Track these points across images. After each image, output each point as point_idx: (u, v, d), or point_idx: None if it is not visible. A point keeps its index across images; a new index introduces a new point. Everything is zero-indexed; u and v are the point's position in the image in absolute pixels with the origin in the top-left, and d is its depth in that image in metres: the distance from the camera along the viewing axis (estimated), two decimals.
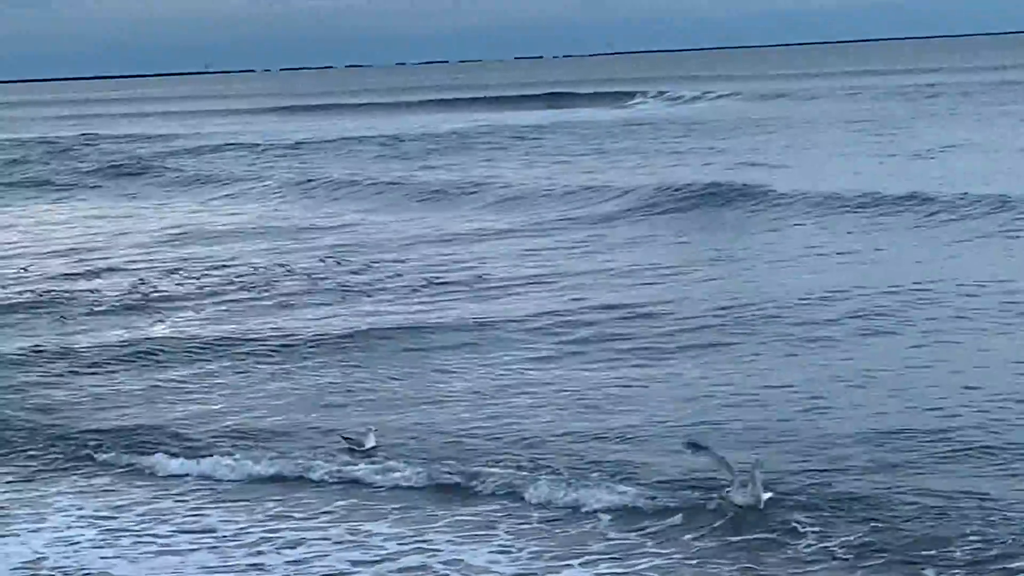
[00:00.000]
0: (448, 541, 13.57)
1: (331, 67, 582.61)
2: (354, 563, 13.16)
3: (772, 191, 37.87)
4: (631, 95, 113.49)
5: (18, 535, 14.46)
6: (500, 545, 13.40)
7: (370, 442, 16.21)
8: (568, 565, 12.80)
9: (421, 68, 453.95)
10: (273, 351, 22.12)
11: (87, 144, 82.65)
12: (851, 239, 30.94)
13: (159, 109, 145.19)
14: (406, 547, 13.46)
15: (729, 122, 74.32)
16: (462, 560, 13.05)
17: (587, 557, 12.94)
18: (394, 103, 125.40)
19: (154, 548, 13.85)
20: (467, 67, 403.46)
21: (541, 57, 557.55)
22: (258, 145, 73.29)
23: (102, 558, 13.70)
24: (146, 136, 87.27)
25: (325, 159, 63.73)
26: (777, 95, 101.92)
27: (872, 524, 13.14)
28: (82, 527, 14.57)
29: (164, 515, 14.81)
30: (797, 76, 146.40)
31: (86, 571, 13.38)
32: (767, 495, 13.62)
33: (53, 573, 13.37)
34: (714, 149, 57.38)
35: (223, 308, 26.11)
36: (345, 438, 16.48)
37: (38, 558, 13.76)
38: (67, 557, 13.74)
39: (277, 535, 14.04)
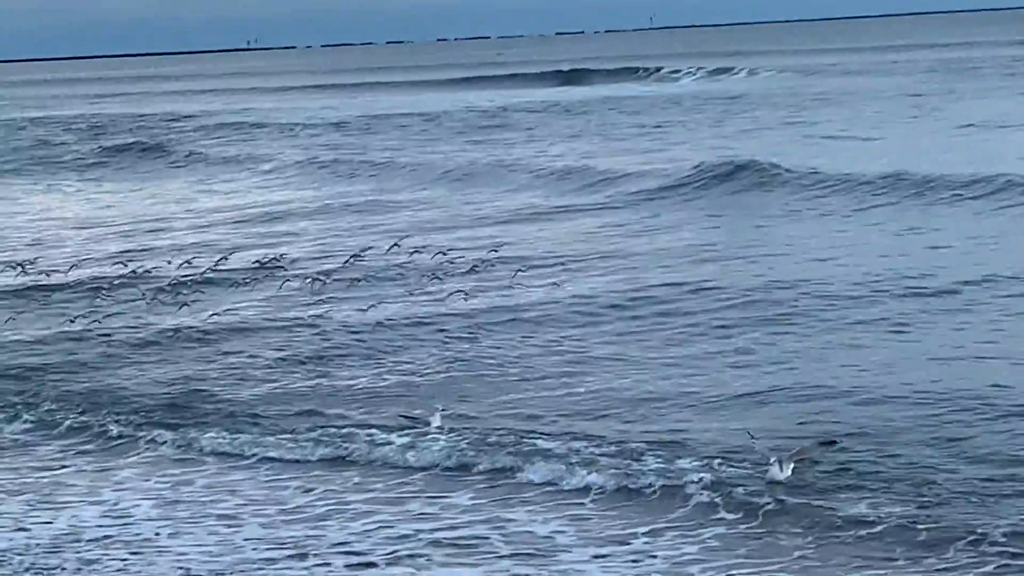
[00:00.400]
0: (528, 511, 13.69)
1: (372, 43, 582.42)
2: (417, 530, 13.30)
3: (830, 169, 37.54)
4: (671, 70, 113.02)
5: (75, 506, 14.60)
6: (572, 515, 13.54)
7: (436, 421, 16.37)
8: (633, 535, 12.98)
9: (462, 44, 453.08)
10: (350, 332, 22.14)
11: (132, 122, 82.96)
12: (914, 218, 30.83)
13: (204, 87, 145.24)
14: (476, 519, 13.59)
15: (782, 97, 73.91)
16: (529, 531, 13.17)
17: (653, 527, 13.15)
18: (436, 80, 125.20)
19: (209, 521, 13.95)
20: (509, 42, 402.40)
21: (582, 32, 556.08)
22: (303, 123, 73.39)
23: (145, 528, 13.79)
24: (190, 114, 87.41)
25: (372, 136, 63.82)
26: (813, 71, 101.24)
27: (921, 494, 13.35)
28: (140, 499, 14.70)
29: (232, 489, 14.93)
30: (818, 52, 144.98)
31: (126, 541, 13.46)
32: (789, 471, 13.83)
33: (87, 544, 13.44)
34: (779, 123, 57.47)
35: (295, 289, 25.97)
36: (409, 417, 16.64)
37: (81, 527, 13.89)
38: (111, 528, 13.83)
39: (348, 507, 14.17)
